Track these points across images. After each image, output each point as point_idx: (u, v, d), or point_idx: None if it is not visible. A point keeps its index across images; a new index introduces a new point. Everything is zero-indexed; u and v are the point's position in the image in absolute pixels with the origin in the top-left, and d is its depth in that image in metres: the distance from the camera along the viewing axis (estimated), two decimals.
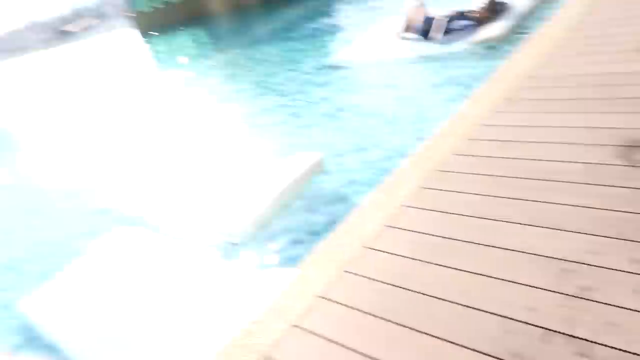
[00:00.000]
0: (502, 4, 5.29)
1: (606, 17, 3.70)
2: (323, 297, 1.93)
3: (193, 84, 7.84)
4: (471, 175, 2.42)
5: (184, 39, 12.61)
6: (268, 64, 7.49)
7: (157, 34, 15.11)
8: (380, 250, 2.11)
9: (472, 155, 2.58)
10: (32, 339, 2.77)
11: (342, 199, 3.26)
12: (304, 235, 3.02)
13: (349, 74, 5.65)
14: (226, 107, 6.14)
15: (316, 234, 2.99)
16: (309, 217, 3.17)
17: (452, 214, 2.19)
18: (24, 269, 3.60)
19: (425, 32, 5.73)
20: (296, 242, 2.98)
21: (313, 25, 9.42)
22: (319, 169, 3.52)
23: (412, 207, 2.32)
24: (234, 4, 15.11)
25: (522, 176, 2.28)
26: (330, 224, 3.02)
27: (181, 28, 14.95)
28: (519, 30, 5.05)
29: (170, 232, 3.38)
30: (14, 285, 3.42)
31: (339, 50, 6.71)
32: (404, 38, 6.08)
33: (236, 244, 3.09)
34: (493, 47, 4.81)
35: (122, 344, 2.36)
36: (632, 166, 2.10)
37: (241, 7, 14.83)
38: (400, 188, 2.48)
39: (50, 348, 2.64)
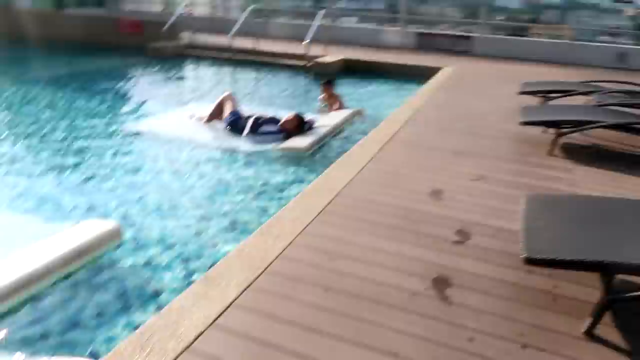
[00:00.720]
0: (309, 122, 5.70)
1: (401, 159, 4.23)
2: None
3: None
4: (300, 283, 2.31)
5: None
6: (56, 111, 6.50)
7: None
8: (206, 354, 1.79)
9: (299, 261, 2.49)
10: None
11: (136, 285, 2.76)
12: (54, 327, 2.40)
13: (153, 146, 5.21)
14: None
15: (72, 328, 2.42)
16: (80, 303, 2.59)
17: (283, 321, 2.01)
18: None
19: (231, 125, 5.74)
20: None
21: (115, 85, 8.71)
22: (113, 242, 2.98)
23: (242, 306, 2.06)
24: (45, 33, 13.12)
25: (352, 291, 2.27)
26: (109, 318, 2.48)
27: None
28: (321, 148, 5.44)
29: None
30: None
31: (141, 120, 6.24)
32: (209, 125, 5.99)
33: None
34: (299, 157, 5.04)
35: None
36: (446, 301, 2.27)
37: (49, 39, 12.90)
38: (227, 285, 2.21)
39: None
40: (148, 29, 12.68)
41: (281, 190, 4.22)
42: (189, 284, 2.77)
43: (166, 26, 11.64)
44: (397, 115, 5.76)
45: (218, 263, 2.41)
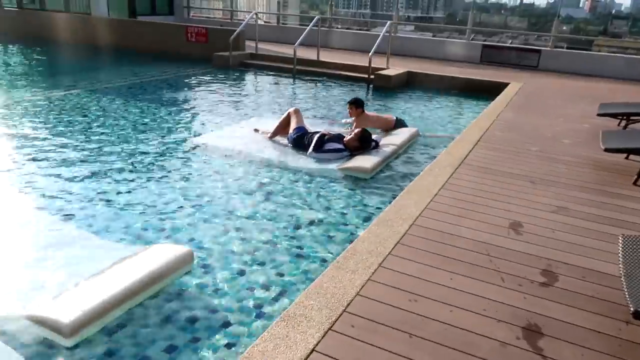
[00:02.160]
0: (376, 140, 5.59)
1: (474, 186, 4.06)
2: None
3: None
4: (381, 326, 2.21)
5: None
6: (122, 121, 6.71)
7: None
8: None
9: (378, 301, 2.39)
10: None
11: (206, 316, 2.73)
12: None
13: (218, 163, 5.25)
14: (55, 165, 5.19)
15: None
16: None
17: None
18: None
19: (296, 141, 5.71)
20: None
21: (181, 95, 9.01)
22: (184, 268, 2.97)
23: (323, 354, 1.98)
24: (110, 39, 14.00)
25: (437, 339, 2.15)
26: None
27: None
28: (386, 169, 5.31)
29: None
30: None
31: (206, 133, 6.33)
32: (273, 140, 5.99)
33: None
34: (362, 179, 4.92)
35: None
36: (539, 354, 2.11)
37: (119, 47, 13.75)
38: (307, 327, 2.14)
39: None
40: (214, 38, 13.03)
41: (346, 214, 4.12)
42: (258, 316, 2.74)
43: (233, 36, 11.81)
44: (465, 137, 5.56)
45: (296, 300, 2.34)
